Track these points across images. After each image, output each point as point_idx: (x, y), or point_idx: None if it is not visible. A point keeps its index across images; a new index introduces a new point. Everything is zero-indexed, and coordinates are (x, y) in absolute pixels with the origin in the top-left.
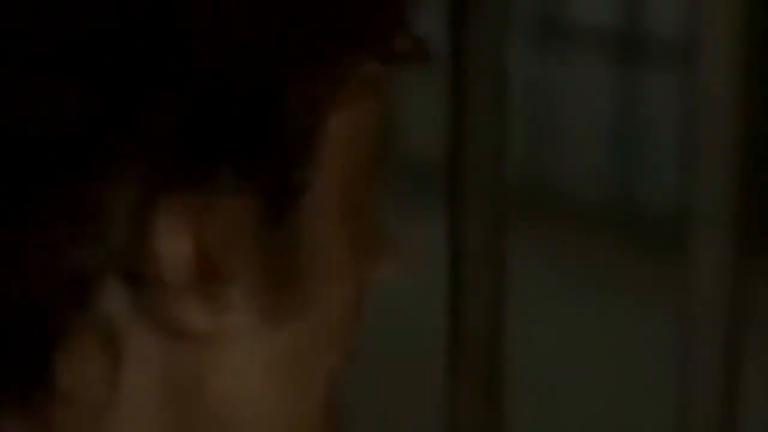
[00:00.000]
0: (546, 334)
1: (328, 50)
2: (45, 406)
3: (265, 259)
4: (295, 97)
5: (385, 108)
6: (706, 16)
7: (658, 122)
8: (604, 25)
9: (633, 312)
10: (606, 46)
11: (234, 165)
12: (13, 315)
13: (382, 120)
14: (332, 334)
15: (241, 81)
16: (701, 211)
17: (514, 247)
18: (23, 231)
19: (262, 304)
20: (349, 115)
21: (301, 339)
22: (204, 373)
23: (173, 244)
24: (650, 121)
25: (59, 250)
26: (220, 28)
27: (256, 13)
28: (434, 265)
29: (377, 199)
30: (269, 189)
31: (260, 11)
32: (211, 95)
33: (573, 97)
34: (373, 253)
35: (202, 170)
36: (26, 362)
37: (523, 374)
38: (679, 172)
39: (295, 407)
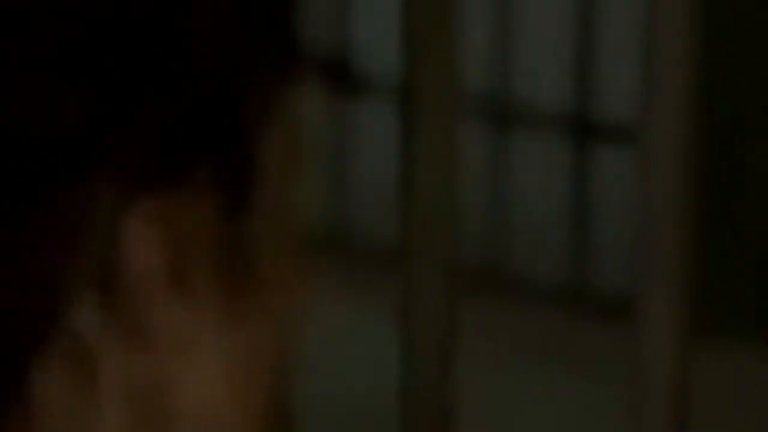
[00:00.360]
0: (500, 415)
1: (283, 57)
2: (17, 422)
3: (225, 261)
4: (257, 98)
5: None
6: (655, 99)
7: (611, 203)
8: (556, 106)
9: (585, 389)
10: (559, 128)
11: (204, 165)
12: None
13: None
14: (280, 340)
15: (222, 83)
16: (651, 290)
17: (470, 326)
18: (6, 237)
19: (224, 308)
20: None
21: (254, 342)
22: (170, 380)
23: (144, 250)
24: (604, 203)
25: (41, 258)
26: (214, 31)
27: (238, 18)
28: (385, 345)
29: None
30: (231, 189)
31: (240, 19)
32: (197, 97)
33: (526, 178)
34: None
35: (176, 172)
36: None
37: None
38: (632, 252)
39: (245, 410)
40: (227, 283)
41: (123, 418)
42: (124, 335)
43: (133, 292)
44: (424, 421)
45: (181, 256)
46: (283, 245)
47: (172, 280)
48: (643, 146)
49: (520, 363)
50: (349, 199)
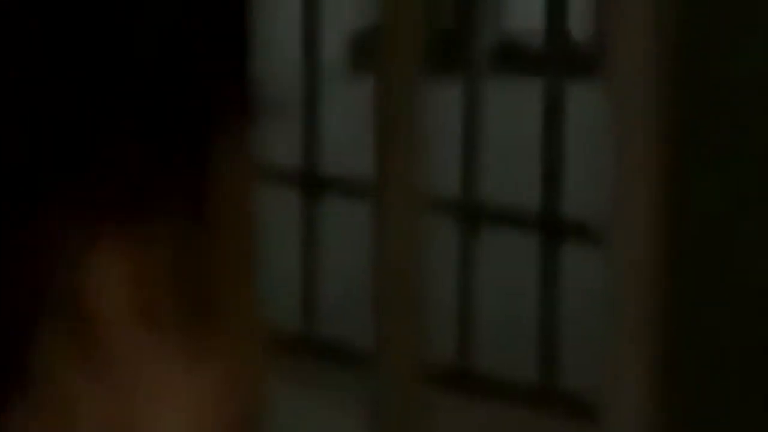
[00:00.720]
0: None
1: (240, 98)
2: None
3: (186, 294)
4: (215, 135)
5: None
6: (621, 198)
7: (580, 304)
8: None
9: None
10: (528, 227)
11: (164, 200)
12: None
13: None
14: (247, 372)
15: (183, 120)
16: (617, 396)
17: (438, 425)
18: None
19: (187, 340)
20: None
21: (219, 380)
22: (136, 416)
23: (110, 280)
24: (573, 303)
25: (11, 287)
26: (175, 69)
27: (198, 58)
28: None
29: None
30: (193, 214)
31: (199, 59)
32: (158, 134)
33: (495, 276)
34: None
35: (138, 207)
36: None
37: None
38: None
39: None
40: (189, 315)
41: None
42: (90, 370)
43: (97, 325)
44: None
45: (144, 289)
46: (242, 278)
47: (136, 312)
48: (610, 244)
49: None
50: (318, 296)
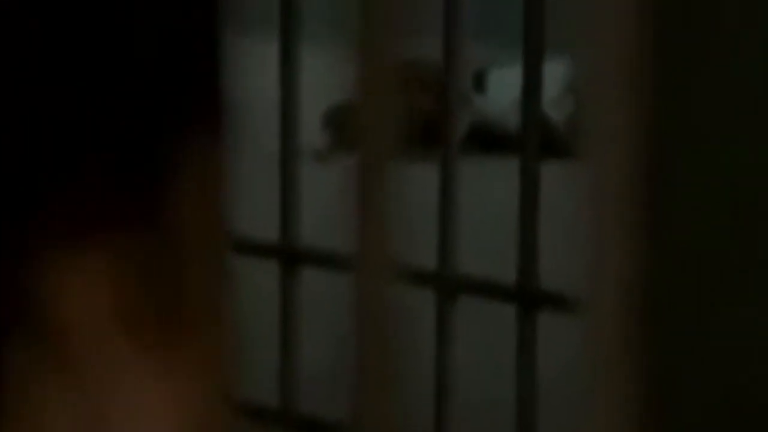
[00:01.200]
0: None
1: (208, 110)
2: None
3: (158, 300)
4: (183, 147)
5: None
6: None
7: (557, 373)
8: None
9: None
10: (504, 298)
11: (134, 204)
12: None
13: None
14: (216, 380)
15: (151, 135)
16: None
17: None
18: None
19: (158, 349)
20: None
21: (190, 384)
22: (108, 425)
23: (80, 292)
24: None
25: None
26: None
27: (167, 72)
28: None
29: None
30: (158, 226)
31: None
32: (127, 148)
33: (471, 348)
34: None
35: (109, 214)
36: None
37: None
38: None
39: None
40: (158, 324)
41: None
42: (61, 380)
43: (68, 336)
44: None
45: (113, 300)
46: (212, 288)
47: (106, 323)
48: (586, 317)
49: None
50: (295, 368)
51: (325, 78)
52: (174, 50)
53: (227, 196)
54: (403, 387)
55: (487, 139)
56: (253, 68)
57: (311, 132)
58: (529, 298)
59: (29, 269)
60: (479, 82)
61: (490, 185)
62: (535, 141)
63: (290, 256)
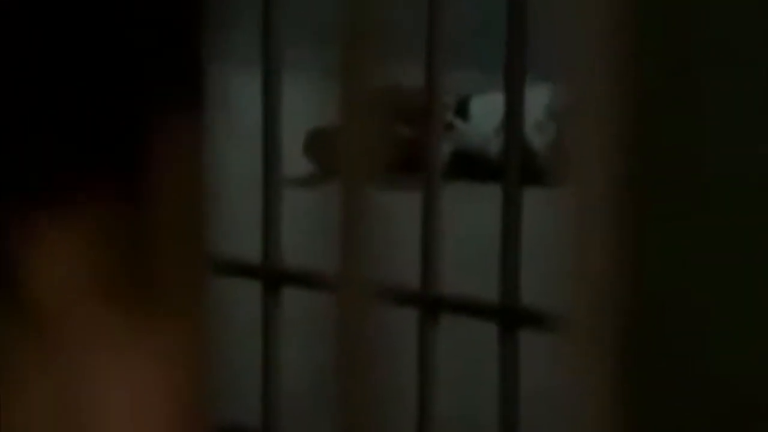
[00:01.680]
0: None
1: (186, 91)
2: None
3: (132, 272)
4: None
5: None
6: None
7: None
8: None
9: None
10: (486, 316)
11: (107, 175)
12: None
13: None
14: (193, 350)
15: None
16: None
17: None
18: None
19: (133, 318)
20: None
21: (165, 353)
22: (83, 393)
23: (55, 264)
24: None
25: None
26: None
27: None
28: None
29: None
30: (133, 197)
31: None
32: (101, 116)
33: (454, 365)
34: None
35: (82, 185)
36: None
37: None
38: None
39: (156, 415)
40: (133, 294)
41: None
42: (37, 351)
43: (43, 308)
44: None
45: (87, 270)
46: (189, 259)
47: (81, 293)
48: (564, 335)
49: None
50: (277, 391)
51: (307, 103)
52: (157, 34)
53: (209, 174)
54: (384, 407)
55: (470, 166)
56: (235, 95)
57: (293, 157)
58: (510, 316)
59: (8, 238)
60: (463, 109)
61: (472, 211)
62: (516, 167)
63: (272, 277)
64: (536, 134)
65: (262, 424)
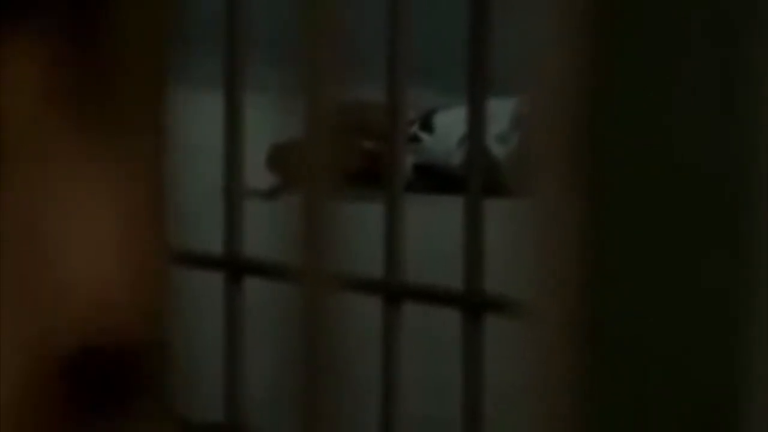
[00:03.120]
0: None
1: None
2: None
3: (91, 89)
4: None
5: None
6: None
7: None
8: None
9: None
10: (451, 304)
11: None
12: None
13: None
14: (151, 171)
15: None
16: None
17: None
18: None
19: (92, 136)
20: None
21: (125, 172)
22: (45, 213)
23: (15, 78)
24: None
25: None
26: None
27: None
28: None
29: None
30: (99, 17)
31: None
32: None
33: (418, 352)
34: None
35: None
36: None
37: None
38: None
39: (129, 256)
40: (92, 112)
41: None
42: None
43: (4, 118)
44: None
45: (46, 86)
46: (147, 77)
47: (40, 110)
48: (529, 323)
49: None
50: (242, 384)
51: (269, 119)
52: None
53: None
54: (347, 398)
55: (433, 178)
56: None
57: (256, 172)
58: (474, 302)
59: None
60: (427, 123)
61: (436, 223)
62: (478, 179)
63: (235, 268)
64: (498, 146)
65: (226, 419)
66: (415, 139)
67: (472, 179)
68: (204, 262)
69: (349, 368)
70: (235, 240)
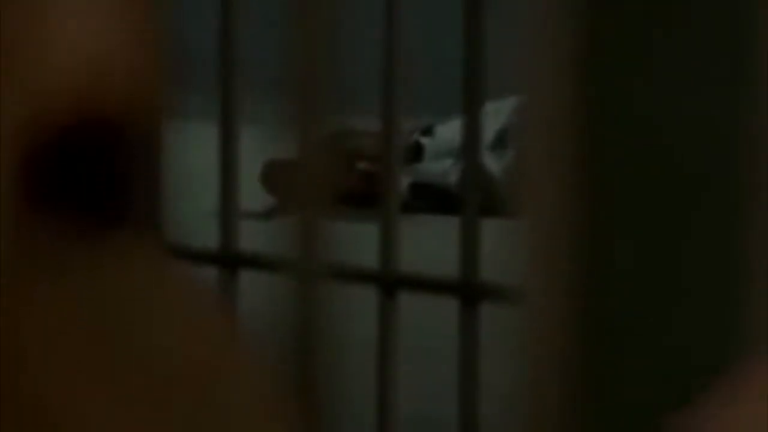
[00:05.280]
0: None
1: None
2: None
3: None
4: None
5: None
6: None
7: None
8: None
9: None
10: (445, 291)
11: None
12: None
13: None
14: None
15: None
16: None
17: None
18: None
19: None
20: None
21: None
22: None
23: None
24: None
25: None
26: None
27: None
28: None
29: None
30: None
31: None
32: None
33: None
34: None
35: None
36: None
37: None
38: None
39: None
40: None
41: None
42: None
43: None
44: None
45: None
46: None
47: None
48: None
49: None
50: None
51: (262, 149)
52: None
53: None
54: (341, 389)
55: (429, 197)
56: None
57: (251, 194)
58: (470, 290)
59: None
60: (428, 130)
61: (433, 242)
62: (473, 197)
63: (230, 262)
64: (491, 155)
65: None
66: (416, 145)
67: (470, 168)
68: (200, 257)
69: (342, 374)
70: (230, 235)
